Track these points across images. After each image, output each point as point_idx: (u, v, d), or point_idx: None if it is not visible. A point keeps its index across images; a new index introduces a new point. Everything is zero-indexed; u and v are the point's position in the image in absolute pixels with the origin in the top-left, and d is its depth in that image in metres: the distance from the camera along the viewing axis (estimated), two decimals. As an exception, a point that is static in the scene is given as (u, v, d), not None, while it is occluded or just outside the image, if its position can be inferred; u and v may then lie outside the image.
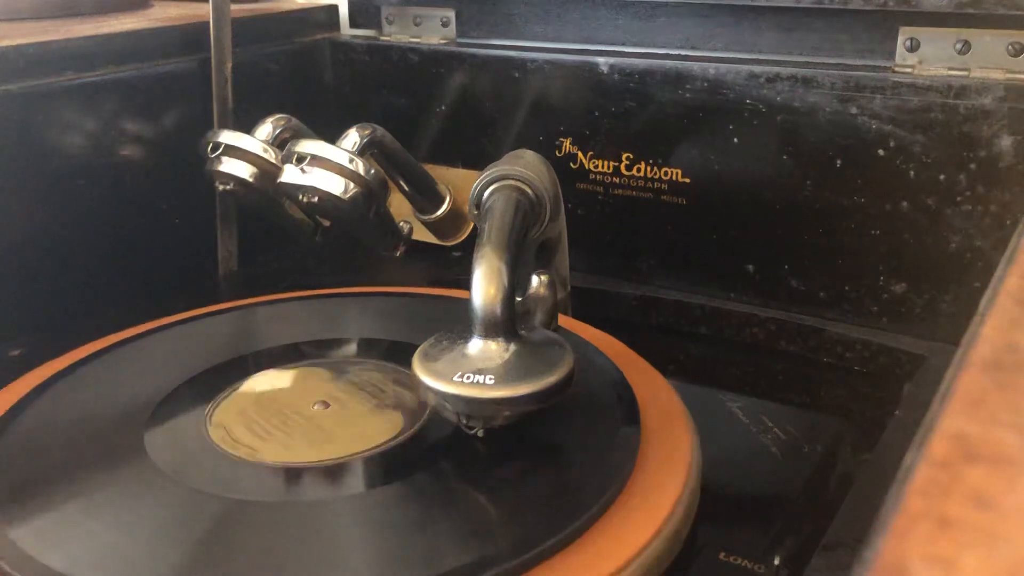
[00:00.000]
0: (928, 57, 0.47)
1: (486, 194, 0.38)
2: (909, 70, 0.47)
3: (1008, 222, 0.45)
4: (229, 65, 0.54)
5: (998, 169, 0.44)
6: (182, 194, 0.55)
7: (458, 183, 0.58)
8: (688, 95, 0.51)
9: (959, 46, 0.46)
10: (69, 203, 0.50)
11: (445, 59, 0.59)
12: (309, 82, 0.64)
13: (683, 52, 0.53)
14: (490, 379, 0.32)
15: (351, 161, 0.47)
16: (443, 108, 0.60)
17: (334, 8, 0.66)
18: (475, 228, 0.37)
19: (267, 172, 0.49)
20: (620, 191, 0.55)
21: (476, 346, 0.34)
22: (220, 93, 0.54)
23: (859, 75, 0.47)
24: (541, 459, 0.35)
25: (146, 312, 0.48)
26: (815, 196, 0.49)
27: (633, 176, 0.54)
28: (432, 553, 0.30)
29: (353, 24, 0.66)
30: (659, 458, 0.35)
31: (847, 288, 0.50)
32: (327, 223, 0.53)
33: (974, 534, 0.13)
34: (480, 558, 0.29)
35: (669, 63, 0.52)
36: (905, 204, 0.47)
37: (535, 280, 0.42)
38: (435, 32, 0.62)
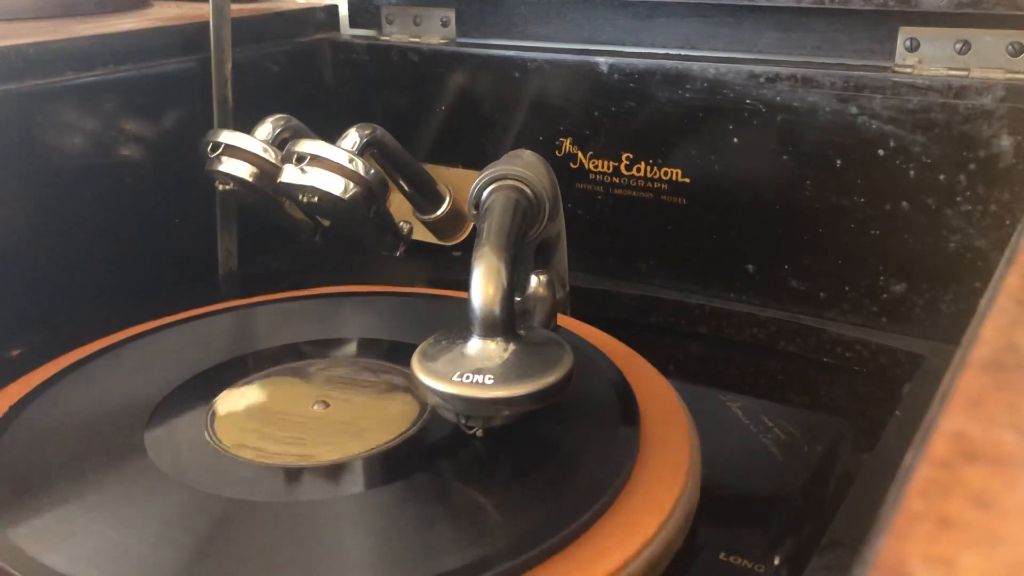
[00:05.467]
0: (928, 57, 0.47)
1: (485, 194, 0.38)
2: (909, 70, 0.47)
3: (1008, 222, 0.45)
4: (229, 65, 0.54)
5: (998, 169, 0.44)
6: (182, 194, 0.55)
7: (458, 183, 0.58)
8: (688, 95, 0.51)
9: (959, 46, 0.46)
10: (69, 203, 0.50)
11: (445, 59, 0.59)
12: (309, 82, 0.64)
13: (683, 52, 0.53)
14: (489, 379, 0.32)
15: (351, 161, 0.47)
16: (443, 108, 0.60)
17: (334, 8, 0.66)
18: (475, 228, 0.37)
19: (267, 172, 0.49)
20: (620, 191, 0.55)
21: (475, 346, 0.34)
22: (220, 93, 0.54)
23: (859, 75, 0.47)
24: (541, 459, 0.35)
25: (146, 312, 0.48)
26: (815, 196, 0.49)
27: (633, 176, 0.54)
28: (432, 553, 0.30)
29: (353, 24, 0.66)
30: (659, 458, 0.35)
31: (847, 288, 0.50)
32: (327, 223, 0.53)
33: (974, 534, 0.13)
34: (480, 558, 0.29)
35: (669, 63, 0.52)
36: (905, 204, 0.47)
37: (534, 280, 0.42)
38: (435, 32, 0.62)
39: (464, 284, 0.34)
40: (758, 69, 0.49)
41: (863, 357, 0.49)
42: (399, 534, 0.31)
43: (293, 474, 0.34)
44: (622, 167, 0.54)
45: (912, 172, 0.46)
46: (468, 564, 0.29)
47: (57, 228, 0.50)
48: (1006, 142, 0.44)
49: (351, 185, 0.47)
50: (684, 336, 0.54)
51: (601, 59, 0.54)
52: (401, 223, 0.54)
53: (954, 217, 0.46)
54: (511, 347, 0.34)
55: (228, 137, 0.50)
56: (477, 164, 0.58)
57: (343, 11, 0.66)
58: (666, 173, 0.53)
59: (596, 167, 0.55)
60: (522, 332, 0.35)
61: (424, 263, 0.59)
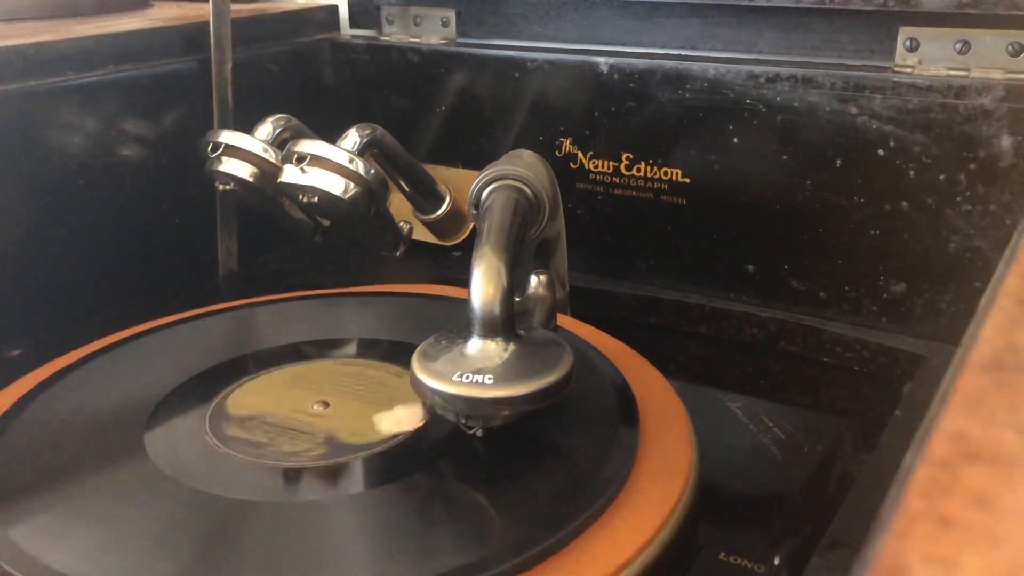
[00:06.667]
0: (928, 57, 0.47)
1: (484, 194, 0.38)
2: (909, 70, 0.47)
3: (1008, 222, 0.45)
4: (229, 65, 0.54)
5: (998, 169, 0.44)
6: (182, 194, 0.55)
7: (458, 183, 0.58)
8: (688, 95, 0.51)
9: (959, 46, 0.46)
10: (69, 203, 0.50)
11: (445, 59, 0.59)
12: (309, 82, 0.64)
13: (683, 52, 0.53)
14: (489, 379, 0.32)
15: (351, 161, 0.47)
16: (443, 108, 0.60)
17: (334, 8, 0.66)
18: (475, 228, 0.37)
19: (267, 172, 0.49)
20: (620, 191, 0.55)
21: (475, 346, 0.34)
22: (220, 93, 0.54)
23: (859, 75, 0.47)
24: (541, 459, 0.35)
25: (146, 312, 0.48)
26: (815, 196, 0.49)
27: (633, 176, 0.54)
28: (432, 553, 0.30)
29: (353, 24, 0.66)
30: (659, 458, 0.35)
31: (847, 288, 0.50)
32: (327, 223, 0.53)
33: (974, 534, 0.13)
34: (480, 558, 0.29)
35: (669, 63, 0.52)
36: (905, 204, 0.47)
37: (534, 280, 0.42)
38: (435, 32, 0.62)
39: (464, 284, 0.34)
40: (758, 69, 0.49)
41: (863, 357, 0.49)
42: (399, 534, 0.31)
43: (293, 474, 0.34)
44: (622, 167, 0.54)
45: (912, 172, 0.46)
46: (467, 564, 0.28)
47: (57, 228, 0.50)
48: (1006, 142, 0.44)
49: (351, 185, 0.47)
50: (684, 336, 0.54)
51: (601, 59, 0.54)
52: (401, 223, 0.54)
53: (954, 217, 0.46)
54: (511, 347, 0.34)
55: (228, 137, 0.50)
56: (477, 164, 0.58)
57: (343, 11, 0.66)
58: (666, 173, 0.53)
59: (596, 167, 0.55)
60: (522, 332, 0.35)
61: (424, 263, 0.59)
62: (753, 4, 0.51)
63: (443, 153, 0.61)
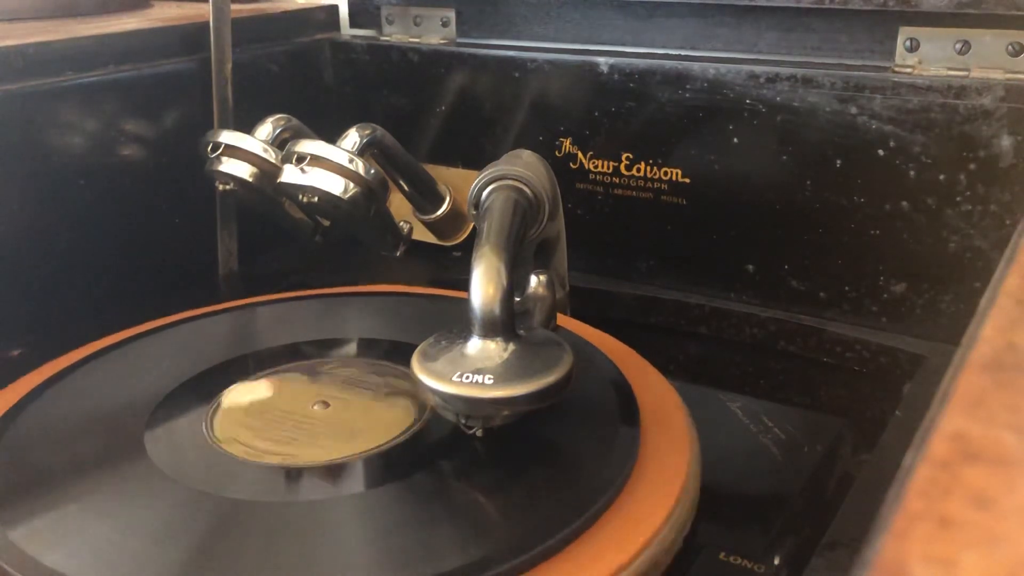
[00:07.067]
0: (928, 57, 0.47)
1: (484, 194, 0.38)
2: (909, 70, 0.47)
3: (1008, 222, 0.45)
4: (229, 65, 0.54)
5: (998, 169, 0.44)
6: (182, 194, 0.55)
7: (458, 183, 0.58)
8: (688, 95, 0.51)
9: (959, 46, 0.46)
10: (69, 203, 0.50)
11: (445, 59, 0.59)
12: (309, 82, 0.64)
13: (683, 52, 0.53)
14: (489, 379, 0.32)
15: (351, 161, 0.47)
16: (443, 108, 0.60)
17: (334, 8, 0.66)
18: (475, 228, 0.37)
19: (267, 172, 0.49)
20: (620, 191, 0.55)
21: (475, 346, 0.34)
22: (220, 93, 0.54)
23: (859, 75, 0.47)
24: (541, 459, 0.35)
25: (146, 312, 0.48)
26: (815, 196, 0.49)
27: (633, 176, 0.54)
28: (432, 553, 0.30)
29: (353, 24, 0.66)
30: (659, 458, 0.35)
31: (847, 288, 0.50)
32: (327, 223, 0.53)
33: (974, 534, 0.13)
34: (480, 558, 0.29)
35: (669, 63, 0.52)
36: (905, 204, 0.47)
37: (534, 280, 0.42)
38: (435, 32, 0.62)
39: (464, 284, 0.34)
40: (758, 69, 0.49)
41: (863, 357, 0.49)
42: (399, 534, 0.31)
43: (293, 474, 0.34)
44: (622, 167, 0.54)
45: (912, 172, 0.46)
46: (468, 564, 0.29)
47: (57, 228, 0.50)
48: (1006, 142, 0.44)
49: (351, 185, 0.47)
50: (684, 336, 0.54)
51: (601, 59, 0.54)
52: (401, 223, 0.54)
53: (954, 217, 0.46)
54: (511, 347, 0.34)
55: (228, 137, 0.50)
56: (477, 164, 0.58)
57: (343, 11, 0.66)
58: (666, 173, 0.53)
59: (596, 167, 0.55)
60: (522, 332, 0.35)
61: (424, 263, 0.59)
62: (753, 4, 0.51)
63: (443, 153, 0.61)
